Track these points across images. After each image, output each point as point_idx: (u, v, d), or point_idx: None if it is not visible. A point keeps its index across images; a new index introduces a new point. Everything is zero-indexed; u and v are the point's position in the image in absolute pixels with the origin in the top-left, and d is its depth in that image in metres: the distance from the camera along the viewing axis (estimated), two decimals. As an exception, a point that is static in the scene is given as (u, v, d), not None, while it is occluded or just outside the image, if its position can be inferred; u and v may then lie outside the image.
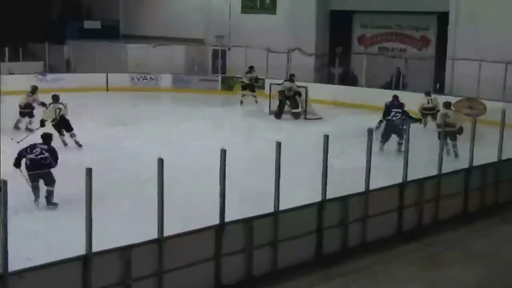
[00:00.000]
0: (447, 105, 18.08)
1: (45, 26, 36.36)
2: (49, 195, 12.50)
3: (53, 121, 17.59)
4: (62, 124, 17.58)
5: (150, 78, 30.17)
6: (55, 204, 12.47)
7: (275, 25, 29.91)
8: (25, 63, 29.89)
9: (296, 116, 23.13)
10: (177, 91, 29.08)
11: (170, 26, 33.70)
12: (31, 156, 12.70)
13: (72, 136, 17.48)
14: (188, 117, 22.24)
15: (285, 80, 24.07)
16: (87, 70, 30.19)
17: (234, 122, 22.61)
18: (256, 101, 25.83)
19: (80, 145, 17.17)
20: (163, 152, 8.95)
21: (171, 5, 34.54)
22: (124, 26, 37.26)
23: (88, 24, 36.60)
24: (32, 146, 12.96)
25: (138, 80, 30.01)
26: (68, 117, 17.69)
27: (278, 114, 23.18)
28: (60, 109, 17.66)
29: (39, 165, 12.64)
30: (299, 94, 23.36)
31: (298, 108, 23.24)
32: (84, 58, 31.48)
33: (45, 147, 12.96)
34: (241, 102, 26.22)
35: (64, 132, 17.54)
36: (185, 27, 33.03)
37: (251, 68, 27.30)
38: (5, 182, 7.28)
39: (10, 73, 27.66)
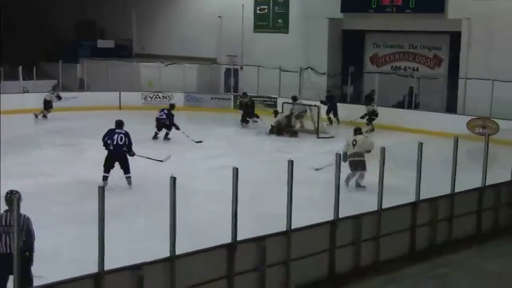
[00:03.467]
0: (356, 131, 16.17)
1: (59, 45, 36.68)
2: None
3: None
4: None
5: (163, 96, 30.26)
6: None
7: (288, 45, 30.00)
8: (39, 82, 30.07)
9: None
10: (189, 110, 29.17)
11: (182, 45, 33.91)
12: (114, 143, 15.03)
13: None
14: (200, 136, 22.29)
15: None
16: (100, 88, 30.40)
17: (246, 141, 22.59)
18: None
19: None
20: (174, 171, 8.94)
21: (183, 24, 34.73)
22: (137, 45, 37.53)
23: (102, 43, 36.93)
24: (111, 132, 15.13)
25: (151, 98, 30.13)
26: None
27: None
28: None
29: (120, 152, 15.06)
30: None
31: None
32: (97, 77, 31.70)
33: (123, 131, 15.17)
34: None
35: None
36: (198, 46, 33.22)
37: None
38: (18, 201, 7.33)
39: (25, 92, 27.86)
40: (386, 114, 25.00)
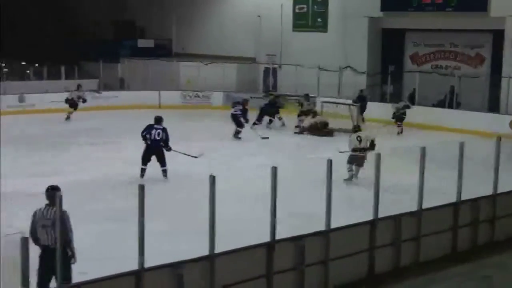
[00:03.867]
0: (355, 128, 17.43)
1: (100, 45, 37.11)
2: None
3: None
4: None
5: (202, 95, 30.42)
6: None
7: (327, 44, 29.90)
8: (80, 81, 30.45)
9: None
10: (228, 109, 29.15)
11: (222, 45, 34.04)
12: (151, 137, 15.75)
13: None
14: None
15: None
16: (140, 87, 30.70)
17: (284, 140, 22.56)
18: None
19: None
20: (209, 170, 8.95)
21: (223, 24, 34.85)
22: (176, 44, 37.76)
23: (142, 43, 37.24)
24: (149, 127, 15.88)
25: (190, 97, 30.31)
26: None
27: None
28: None
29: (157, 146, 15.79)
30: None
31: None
32: (137, 76, 32.00)
33: (161, 128, 15.91)
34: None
35: None
36: (237, 45, 33.34)
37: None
38: (60, 197, 7.41)
39: (67, 91, 28.22)
40: (426, 114, 24.81)
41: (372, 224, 10.17)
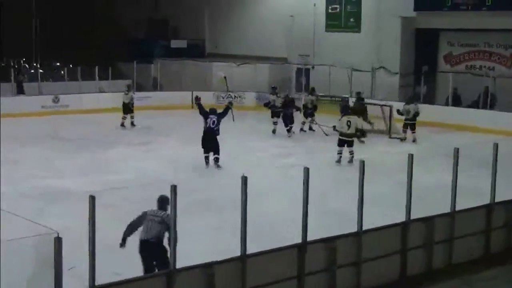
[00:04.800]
0: (346, 108, 18.97)
1: (133, 45, 37.37)
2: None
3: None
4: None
5: (234, 96, 30.47)
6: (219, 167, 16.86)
7: (359, 44, 29.78)
8: (114, 82, 30.73)
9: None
10: (260, 109, 29.22)
11: (254, 45, 34.07)
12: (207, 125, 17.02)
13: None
14: (270, 135, 22.34)
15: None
16: (173, 88, 30.83)
17: (316, 141, 22.48)
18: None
19: None
20: (242, 169, 8.96)
21: (255, 24, 34.87)
22: (209, 44, 37.87)
23: (175, 43, 37.39)
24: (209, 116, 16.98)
25: (223, 98, 30.34)
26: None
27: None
28: None
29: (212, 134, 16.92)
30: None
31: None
32: (170, 77, 32.14)
33: (215, 117, 17.02)
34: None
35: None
36: (270, 46, 33.32)
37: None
38: (93, 198, 7.48)
39: (101, 92, 28.47)
40: (460, 114, 24.54)
41: (405, 225, 10.11)
